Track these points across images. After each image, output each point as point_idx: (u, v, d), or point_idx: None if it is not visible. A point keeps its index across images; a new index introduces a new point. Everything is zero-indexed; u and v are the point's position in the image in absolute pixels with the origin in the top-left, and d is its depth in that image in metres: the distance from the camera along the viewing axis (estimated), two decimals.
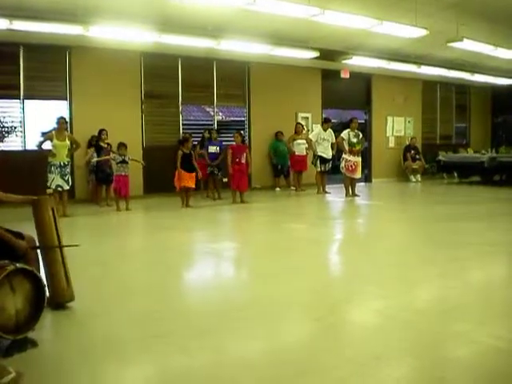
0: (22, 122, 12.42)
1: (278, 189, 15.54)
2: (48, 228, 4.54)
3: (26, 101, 12.42)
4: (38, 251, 4.53)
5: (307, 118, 16.84)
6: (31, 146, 11.91)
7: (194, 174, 11.52)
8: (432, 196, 13.86)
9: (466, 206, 11.65)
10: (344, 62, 15.23)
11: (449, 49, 13.94)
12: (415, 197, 14.99)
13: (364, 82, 18.40)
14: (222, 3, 9.48)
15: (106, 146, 12.15)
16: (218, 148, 13.34)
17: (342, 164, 13.45)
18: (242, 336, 4.13)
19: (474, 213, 10.73)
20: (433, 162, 18.18)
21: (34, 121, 12.59)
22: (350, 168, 13.35)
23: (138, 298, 5.11)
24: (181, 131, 14.35)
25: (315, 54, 13.93)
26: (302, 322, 4.53)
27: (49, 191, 9.85)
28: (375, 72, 17.51)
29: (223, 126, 15.31)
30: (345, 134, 13.42)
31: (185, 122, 14.60)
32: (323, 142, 14.08)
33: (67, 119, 12.00)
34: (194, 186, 11.64)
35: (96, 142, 12.31)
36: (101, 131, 12.18)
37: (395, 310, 4.77)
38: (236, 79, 15.57)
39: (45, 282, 4.07)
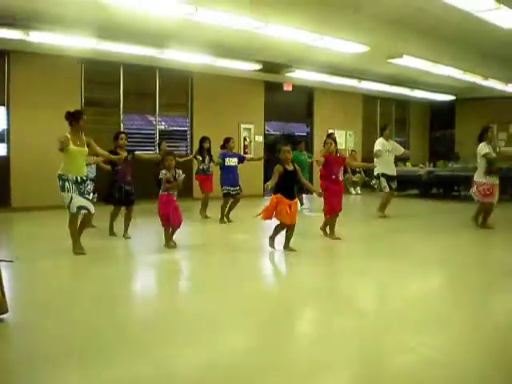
0: None
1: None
2: None
3: None
4: None
5: (250, 129, 16.89)
6: None
7: (296, 203, 8.02)
8: (373, 208, 14.05)
9: (403, 220, 11.81)
10: (287, 74, 15.37)
11: (389, 64, 14.23)
12: (357, 209, 15.18)
13: (306, 95, 18.63)
14: (164, 12, 9.42)
15: (126, 154, 9.24)
16: (236, 160, 11.19)
17: (474, 188, 10.19)
18: (185, 347, 4.12)
19: (412, 226, 10.93)
20: (372, 174, 18.43)
21: None
22: (488, 192, 10.02)
23: (77, 311, 5.00)
24: None
25: (258, 66, 14.02)
26: (246, 332, 4.55)
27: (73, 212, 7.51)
28: (317, 85, 17.76)
29: (165, 136, 15.16)
30: (482, 147, 10.07)
31: (126, 131, 14.37)
32: (387, 154, 11.75)
33: (5, 126, 11.63)
34: (295, 223, 7.92)
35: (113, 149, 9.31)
36: (118, 134, 9.49)
37: (338, 320, 4.84)
38: (179, 88, 15.52)
39: None
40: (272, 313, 5.07)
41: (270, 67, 14.58)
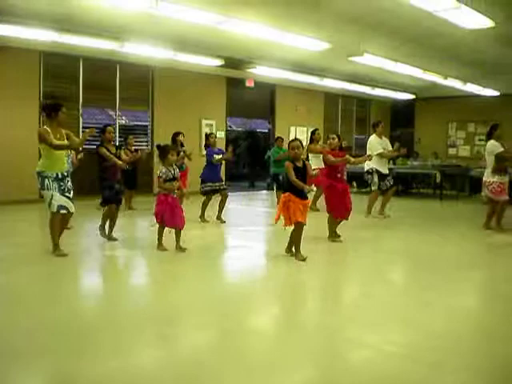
0: None
1: None
2: None
3: None
4: None
5: (211, 125, 16.82)
6: None
7: (307, 203, 7.34)
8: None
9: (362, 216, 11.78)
10: (249, 70, 15.33)
11: (350, 63, 14.31)
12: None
13: (268, 91, 18.63)
14: (124, 5, 9.29)
15: (115, 150, 8.42)
16: (220, 157, 10.73)
17: (485, 190, 9.84)
18: (145, 344, 4.07)
19: (371, 222, 10.97)
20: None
21: None
22: (498, 189, 9.67)
23: (43, 309, 4.91)
24: (80, 135, 13.92)
25: (220, 61, 13.94)
26: (202, 331, 4.51)
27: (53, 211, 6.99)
28: (279, 82, 17.79)
29: (126, 131, 14.98)
30: (494, 146, 9.71)
31: (85, 125, 14.17)
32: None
33: None
34: (305, 222, 7.19)
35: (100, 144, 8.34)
36: (105, 127, 8.52)
37: (293, 317, 4.84)
38: (140, 83, 15.34)
39: None
40: (234, 310, 5.05)
41: (232, 63, 14.52)
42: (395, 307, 5.22)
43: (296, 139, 7.46)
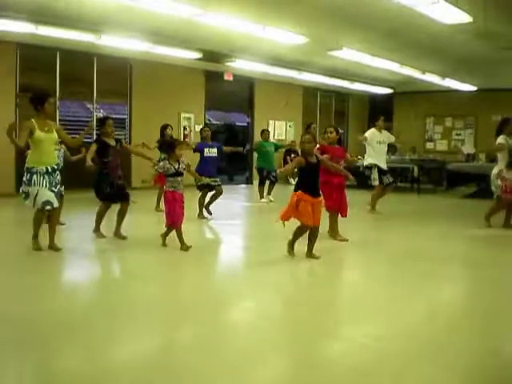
0: None
1: (263, 200, 12.85)
2: None
3: None
4: None
5: (190, 118, 16.79)
6: None
7: (321, 201, 6.89)
8: None
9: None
10: (227, 64, 15.29)
11: (329, 57, 14.33)
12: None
13: (247, 85, 18.62)
14: None
15: (115, 143, 7.89)
16: (216, 150, 10.23)
17: (496, 183, 9.26)
18: (122, 341, 4.05)
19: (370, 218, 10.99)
20: None
21: None
22: (509, 189, 9.12)
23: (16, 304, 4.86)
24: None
25: (198, 54, 13.89)
26: (180, 325, 4.52)
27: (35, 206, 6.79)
28: (258, 76, 17.76)
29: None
30: (502, 139, 9.17)
31: (62, 118, 14.04)
32: (379, 145, 11.20)
33: None
34: (319, 224, 6.79)
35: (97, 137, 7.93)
36: (105, 120, 8.06)
37: (268, 309, 4.86)
38: (117, 76, 15.23)
39: None
40: (211, 304, 5.04)
41: (211, 56, 14.46)
42: (377, 301, 5.23)
43: (308, 133, 7.07)
